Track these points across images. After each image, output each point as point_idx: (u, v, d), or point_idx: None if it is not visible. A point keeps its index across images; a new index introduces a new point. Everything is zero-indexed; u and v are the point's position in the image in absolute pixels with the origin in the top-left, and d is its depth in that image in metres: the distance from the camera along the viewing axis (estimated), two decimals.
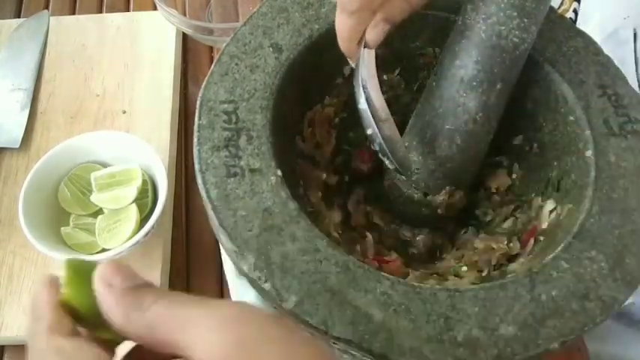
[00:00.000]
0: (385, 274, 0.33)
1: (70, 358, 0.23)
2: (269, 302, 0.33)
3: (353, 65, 0.39)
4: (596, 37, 0.43)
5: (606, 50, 0.42)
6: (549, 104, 0.41)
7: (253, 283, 0.33)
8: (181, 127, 0.62)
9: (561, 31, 0.42)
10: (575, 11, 0.58)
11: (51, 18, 0.67)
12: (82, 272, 0.25)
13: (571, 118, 0.39)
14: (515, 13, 0.35)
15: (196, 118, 0.37)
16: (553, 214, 0.39)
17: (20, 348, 0.50)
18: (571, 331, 0.31)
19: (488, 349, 0.31)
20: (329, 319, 0.31)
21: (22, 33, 0.66)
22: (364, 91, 0.37)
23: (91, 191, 0.53)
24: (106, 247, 0.50)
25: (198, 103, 0.38)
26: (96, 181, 0.53)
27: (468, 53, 0.37)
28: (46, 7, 0.72)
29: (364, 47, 0.37)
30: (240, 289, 0.46)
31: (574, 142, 0.39)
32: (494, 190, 0.45)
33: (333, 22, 0.41)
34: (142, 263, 0.52)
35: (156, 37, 0.65)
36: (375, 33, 0.36)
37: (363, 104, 0.37)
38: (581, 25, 0.57)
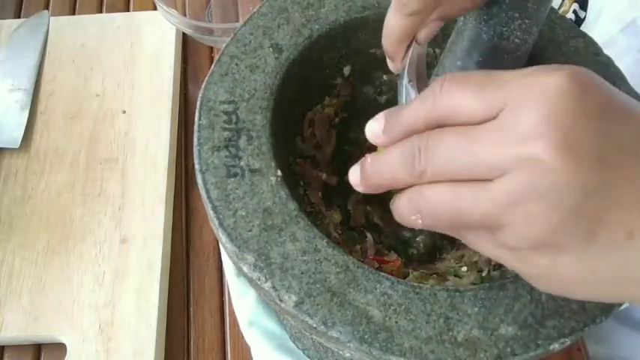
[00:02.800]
0: (385, 274, 0.33)
1: None
2: (269, 302, 0.33)
3: (392, 67, 0.37)
4: (613, 29, 0.43)
5: (625, 41, 0.42)
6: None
7: (253, 283, 0.33)
8: (181, 127, 0.62)
9: (562, 31, 0.42)
10: (575, 12, 0.58)
11: (51, 18, 0.67)
12: None
13: None
14: (516, 14, 0.35)
15: (196, 118, 0.37)
16: None
17: (20, 348, 0.50)
18: (571, 331, 0.31)
19: (488, 349, 0.31)
20: (329, 319, 0.31)
21: (22, 33, 0.66)
22: (407, 91, 0.36)
23: None
24: None
25: (198, 103, 0.38)
26: None
27: (469, 54, 0.37)
28: (46, 7, 0.72)
29: (415, 44, 0.36)
30: (240, 289, 0.46)
31: None
32: None
33: (333, 22, 0.42)
34: (142, 263, 0.52)
35: (156, 37, 0.65)
36: (428, 31, 0.35)
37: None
38: (590, 18, 0.56)
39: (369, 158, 0.29)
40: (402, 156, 0.27)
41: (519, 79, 0.24)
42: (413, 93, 0.36)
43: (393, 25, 0.34)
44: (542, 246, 0.25)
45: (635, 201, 0.24)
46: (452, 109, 0.26)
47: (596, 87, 0.24)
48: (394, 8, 0.34)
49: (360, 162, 0.30)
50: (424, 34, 0.35)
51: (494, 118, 0.24)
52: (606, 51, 0.42)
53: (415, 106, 0.27)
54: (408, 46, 0.35)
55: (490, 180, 0.24)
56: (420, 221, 0.28)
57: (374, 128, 0.29)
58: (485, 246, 0.27)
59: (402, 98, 0.36)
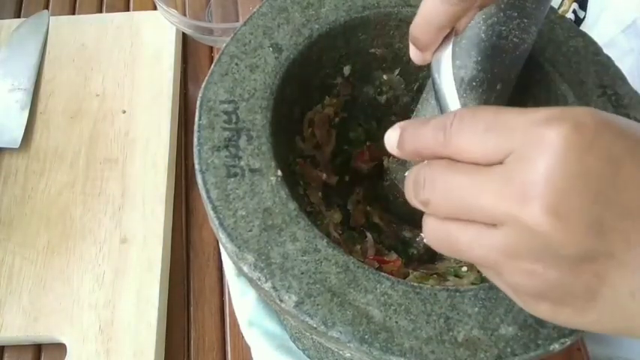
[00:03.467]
0: (385, 274, 0.33)
1: None
2: (269, 302, 0.33)
3: (420, 58, 0.34)
4: (614, 30, 0.43)
5: (626, 42, 0.42)
6: (549, 104, 0.41)
7: (253, 283, 0.33)
8: (181, 127, 0.62)
9: (561, 31, 0.42)
10: (575, 12, 0.58)
11: (51, 18, 0.67)
12: None
13: None
14: (515, 14, 0.35)
15: (196, 118, 0.37)
16: None
17: (20, 348, 0.50)
18: (571, 331, 0.31)
19: (488, 349, 0.31)
20: (329, 319, 0.31)
21: (22, 33, 0.66)
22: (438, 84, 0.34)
23: None
24: None
25: (198, 103, 0.38)
26: None
27: (468, 53, 0.37)
28: (46, 7, 0.72)
29: (453, 35, 0.33)
30: (240, 289, 0.46)
31: None
32: None
33: (333, 22, 0.42)
34: (142, 263, 0.52)
35: (156, 37, 0.65)
36: (468, 20, 0.33)
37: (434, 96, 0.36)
38: (590, 19, 0.56)
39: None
40: (408, 180, 0.28)
41: (528, 128, 0.24)
42: (450, 96, 0.32)
43: (436, 11, 0.31)
44: (541, 297, 0.25)
45: (637, 262, 0.23)
46: (460, 149, 0.26)
47: (602, 140, 0.23)
48: None
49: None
50: (464, 23, 0.33)
51: (501, 162, 0.24)
52: (607, 52, 0.42)
53: (428, 133, 0.27)
54: (446, 36, 0.32)
55: (492, 225, 0.25)
56: (425, 240, 0.29)
57: (391, 140, 0.29)
58: (491, 277, 0.28)
59: (442, 97, 0.33)
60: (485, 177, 0.25)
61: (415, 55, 0.34)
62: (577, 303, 0.25)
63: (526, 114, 0.24)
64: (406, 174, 0.29)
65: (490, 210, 0.24)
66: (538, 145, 0.23)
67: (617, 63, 0.42)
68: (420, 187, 0.27)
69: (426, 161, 0.27)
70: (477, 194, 0.25)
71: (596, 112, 0.24)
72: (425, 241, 0.29)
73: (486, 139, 0.25)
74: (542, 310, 0.26)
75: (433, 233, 0.27)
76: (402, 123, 0.29)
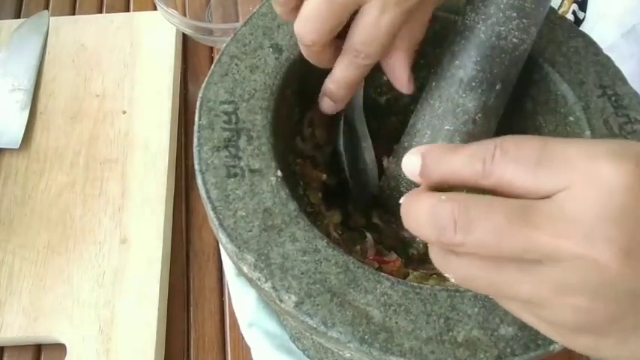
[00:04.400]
0: (385, 275, 0.33)
1: None
2: (269, 302, 0.33)
3: (331, 108, 0.40)
4: (614, 34, 0.43)
5: (626, 47, 0.42)
6: (549, 104, 0.41)
7: (253, 283, 0.33)
8: (181, 127, 0.62)
9: (561, 31, 0.42)
10: (575, 13, 0.58)
11: (51, 18, 0.67)
12: None
13: (571, 118, 0.39)
14: (514, 14, 0.35)
15: (196, 119, 0.37)
16: None
17: (20, 348, 0.50)
18: None
19: (488, 349, 0.31)
20: (329, 320, 0.31)
21: (22, 33, 0.66)
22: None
23: None
24: None
25: (198, 103, 0.38)
26: None
27: (467, 54, 0.37)
28: (46, 7, 0.72)
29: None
30: (240, 289, 0.46)
31: None
32: None
33: None
34: (142, 263, 0.52)
35: (156, 37, 0.65)
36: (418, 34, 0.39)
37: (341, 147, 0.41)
38: (589, 23, 0.56)
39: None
40: (420, 215, 0.26)
41: (582, 163, 0.23)
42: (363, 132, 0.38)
43: (349, 75, 0.37)
44: (585, 331, 0.25)
45: None
46: (506, 182, 0.24)
47: None
48: (347, 60, 0.36)
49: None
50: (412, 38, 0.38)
51: (549, 197, 0.23)
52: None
53: (460, 162, 0.26)
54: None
55: (538, 261, 0.24)
56: (452, 280, 0.27)
57: (412, 166, 0.27)
58: (519, 312, 0.27)
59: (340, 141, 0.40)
60: (539, 214, 0.23)
61: (327, 105, 0.40)
62: (620, 336, 0.25)
63: (579, 146, 0.24)
64: (401, 201, 0.27)
65: (549, 249, 0.23)
66: (598, 184, 0.23)
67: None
68: (450, 229, 0.24)
69: (443, 196, 0.25)
70: (532, 234, 0.23)
71: None
72: (452, 280, 0.27)
73: (537, 173, 0.24)
74: (582, 343, 0.26)
75: (465, 272, 0.26)
76: (423, 148, 0.27)
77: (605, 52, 0.42)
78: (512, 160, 0.24)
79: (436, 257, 0.27)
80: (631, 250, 0.22)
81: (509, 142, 0.25)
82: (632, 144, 0.24)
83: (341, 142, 0.41)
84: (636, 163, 0.23)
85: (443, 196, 0.25)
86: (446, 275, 0.27)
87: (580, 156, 0.23)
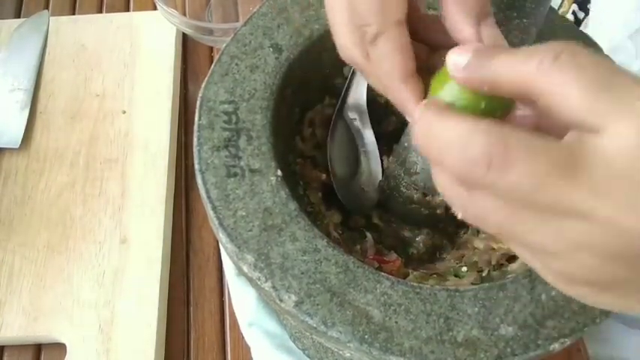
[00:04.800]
0: (385, 274, 0.33)
1: None
2: (269, 302, 0.33)
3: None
4: (620, 35, 0.43)
5: (632, 47, 0.42)
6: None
7: (253, 283, 0.33)
8: (181, 127, 0.62)
9: (561, 31, 0.42)
10: (575, 13, 0.58)
11: (51, 18, 0.67)
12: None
13: None
14: (514, 14, 0.35)
15: (196, 118, 0.37)
16: None
17: (20, 348, 0.50)
18: (571, 331, 0.31)
19: (488, 349, 0.31)
20: (329, 319, 0.31)
21: (22, 33, 0.66)
22: None
23: None
24: None
25: (198, 103, 0.38)
26: None
27: None
28: (46, 7, 0.72)
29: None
30: (240, 289, 0.46)
31: None
32: None
33: None
34: (142, 263, 0.52)
35: (156, 37, 0.65)
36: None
37: None
38: (593, 23, 0.56)
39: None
40: (464, 147, 0.23)
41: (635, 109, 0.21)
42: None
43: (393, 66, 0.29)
44: (588, 285, 0.24)
45: None
46: (555, 93, 0.22)
47: None
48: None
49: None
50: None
51: (599, 133, 0.21)
52: (614, 57, 0.42)
53: (513, 62, 0.23)
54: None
55: (567, 215, 0.22)
56: (459, 215, 0.25)
57: (458, 59, 0.24)
58: (526, 256, 0.25)
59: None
60: (581, 165, 0.21)
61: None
62: (623, 292, 0.24)
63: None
64: (418, 113, 0.25)
65: (581, 206, 0.21)
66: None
67: (625, 69, 0.41)
68: (482, 165, 0.22)
69: (482, 124, 0.22)
70: (567, 187, 0.21)
71: None
72: (459, 216, 0.25)
73: (599, 97, 0.21)
74: (581, 292, 0.24)
75: (479, 210, 0.24)
76: (475, 44, 0.26)
77: (612, 52, 0.42)
78: (576, 67, 0.21)
79: (446, 186, 0.25)
80: None
81: (582, 51, 0.22)
82: None
83: (330, 147, 0.41)
84: None
85: (481, 123, 0.22)
86: (453, 209, 0.25)
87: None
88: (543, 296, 0.32)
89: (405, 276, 0.39)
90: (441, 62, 0.26)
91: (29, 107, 0.60)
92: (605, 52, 0.43)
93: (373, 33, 0.29)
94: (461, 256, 0.42)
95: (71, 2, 0.73)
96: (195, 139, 0.36)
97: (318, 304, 0.31)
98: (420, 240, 0.45)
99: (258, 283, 0.32)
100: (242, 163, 0.36)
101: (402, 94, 0.30)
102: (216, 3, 0.70)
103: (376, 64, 0.30)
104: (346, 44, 0.31)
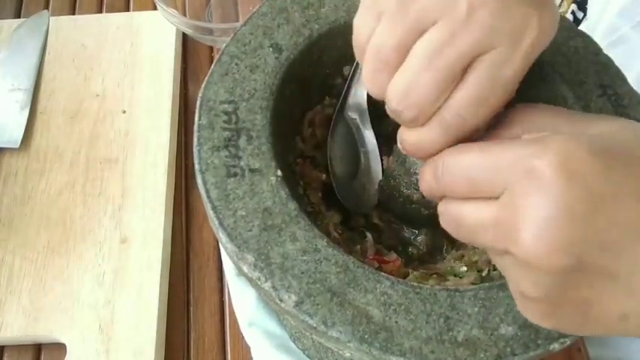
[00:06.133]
0: (385, 274, 0.33)
1: None
2: (269, 302, 0.33)
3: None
4: (622, 25, 0.43)
5: (637, 38, 0.42)
6: (549, 104, 0.41)
7: (253, 283, 0.33)
8: (181, 127, 0.62)
9: (561, 31, 0.42)
10: (574, 13, 0.58)
11: (51, 18, 0.67)
12: None
13: None
14: None
15: (196, 118, 0.37)
16: None
17: (20, 348, 0.50)
18: None
19: (488, 349, 0.31)
20: (329, 319, 0.31)
21: (22, 33, 0.66)
22: None
23: None
24: None
25: (198, 103, 0.38)
26: None
27: None
28: (46, 7, 0.72)
29: None
30: (240, 289, 0.46)
31: None
32: None
33: (333, 21, 0.42)
34: (142, 263, 0.52)
35: (156, 37, 0.65)
36: None
37: None
38: (593, 15, 0.56)
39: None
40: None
41: (517, 163, 0.25)
42: None
43: (435, 140, 0.30)
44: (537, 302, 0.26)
45: (622, 290, 0.24)
46: (453, 193, 0.28)
47: (585, 175, 0.23)
48: (439, 123, 0.29)
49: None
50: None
51: (497, 197, 0.25)
52: (617, 49, 0.42)
53: (425, 175, 0.30)
54: None
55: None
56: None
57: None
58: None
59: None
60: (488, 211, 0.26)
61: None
62: (573, 324, 0.26)
63: (513, 148, 0.25)
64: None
65: (490, 237, 0.26)
66: (528, 183, 0.24)
67: (629, 60, 0.41)
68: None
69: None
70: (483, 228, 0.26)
71: (583, 144, 0.24)
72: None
73: (475, 183, 0.26)
74: (532, 312, 0.27)
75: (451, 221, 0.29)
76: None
77: (614, 44, 0.42)
78: (454, 174, 0.27)
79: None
80: (545, 239, 0.24)
81: (449, 156, 0.28)
82: (558, 140, 0.24)
83: (330, 147, 0.42)
84: (559, 160, 0.24)
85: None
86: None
87: (516, 157, 0.25)
88: None
89: (405, 276, 0.39)
90: None
91: (29, 107, 0.60)
92: (607, 45, 0.42)
93: None
94: (461, 256, 0.42)
95: (71, 2, 0.73)
96: (195, 139, 0.36)
97: (318, 304, 0.31)
98: (420, 240, 0.45)
99: (258, 283, 0.32)
100: (242, 163, 0.36)
101: None
102: (216, 3, 0.70)
103: None
104: None
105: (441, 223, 0.30)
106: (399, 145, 0.32)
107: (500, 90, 0.28)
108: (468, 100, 0.27)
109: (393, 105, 0.29)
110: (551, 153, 0.24)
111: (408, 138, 0.30)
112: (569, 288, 0.24)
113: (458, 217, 0.28)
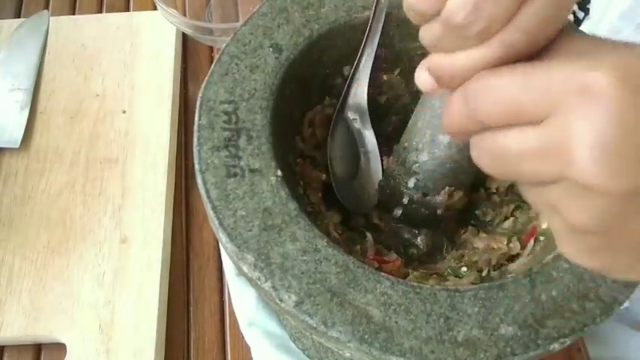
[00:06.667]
0: (385, 274, 0.33)
1: None
2: (269, 302, 0.33)
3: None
4: (625, 27, 0.42)
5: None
6: None
7: (253, 283, 0.33)
8: (181, 127, 0.62)
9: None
10: (574, 13, 0.58)
11: (51, 18, 0.67)
12: None
13: None
14: None
15: (196, 118, 0.37)
16: None
17: (20, 348, 0.50)
18: (571, 331, 0.31)
19: (488, 349, 0.31)
20: (329, 319, 0.31)
21: (22, 33, 0.66)
22: None
23: None
24: None
25: (198, 103, 0.38)
26: None
27: None
28: (46, 7, 0.72)
29: None
30: (240, 289, 0.46)
31: None
32: (494, 190, 0.45)
33: (333, 22, 0.42)
34: (142, 263, 0.52)
35: (156, 37, 0.65)
36: None
37: None
38: (595, 15, 0.55)
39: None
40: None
41: (568, 79, 0.22)
42: None
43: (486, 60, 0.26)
44: (600, 235, 0.24)
45: None
46: (490, 118, 0.24)
47: None
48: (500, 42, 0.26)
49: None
50: None
51: (543, 120, 0.23)
52: None
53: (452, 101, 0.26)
54: None
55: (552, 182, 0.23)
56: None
57: (422, 79, 0.29)
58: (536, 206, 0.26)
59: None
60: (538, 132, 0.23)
61: (426, 84, 0.30)
62: (626, 263, 0.24)
63: (561, 67, 0.23)
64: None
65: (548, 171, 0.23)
66: (582, 102, 0.21)
67: None
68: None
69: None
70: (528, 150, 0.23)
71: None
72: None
73: (519, 107, 0.23)
74: (595, 250, 0.25)
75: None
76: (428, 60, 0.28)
77: None
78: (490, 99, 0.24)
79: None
80: (611, 162, 0.21)
81: (481, 83, 0.25)
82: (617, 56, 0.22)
83: (330, 147, 0.41)
84: (620, 74, 0.21)
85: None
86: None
87: (565, 75, 0.22)
88: (543, 296, 0.32)
89: (405, 276, 0.39)
90: None
91: (29, 107, 0.60)
92: None
93: None
94: (461, 256, 0.42)
95: (71, 2, 0.73)
96: (195, 139, 0.36)
97: (318, 304, 0.31)
98: (420, 240, 0.45)
99: (258, 283, 0.32)
100: (242, 163, 0.36)
101: None
102: (216, 3, 0.70)
103: None
104: None
105: (475, 158, 0.26)
106: (426, 74, 0.29)
107: (567, 8, 0.26)
108: (539, 17, 0.25)
109: (461, 16, 0.25)
110: (609, 66, 0.21)
111: (452, 61, 0.27)
112: (630, 217, 0.22)
113: (498, 147, 0.24)
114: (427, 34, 0.27)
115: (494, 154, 0.25)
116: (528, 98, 0.23)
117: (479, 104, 0.25)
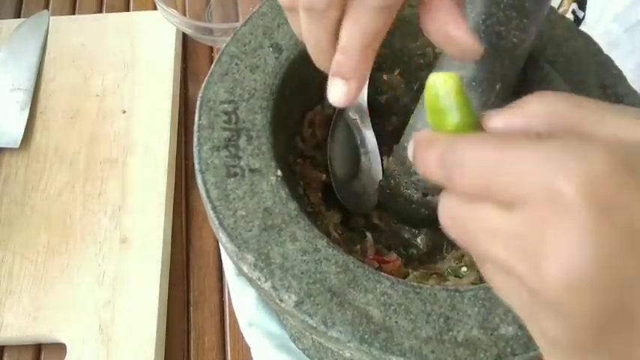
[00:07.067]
0: (385, 274, 0.33)
1: None
2: (269, 302, 0.33)
3: (349, 97, 0.31)
4: (617, 29, 0.42)
5: (629, 42, 0.42)
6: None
7: (253, 283, 0.33)
8: (181, 127, 0.62)
9: (561, 31, 0.42)
10: (574, 12, 0.58)
11: (51, 18, 0.67)
12: None
13: None
14: (514, 14, 0.35)
15: (196, 118, 0.37)
16: None
17: (20, 348, 0.50)
18: None
19: (488, 349, 0.31)
20: (329, 319, 0.31)
21: (22, 33, 0.66)
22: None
23: None
24: None
25: (198, 103, 0.38)
26: None
27: None
28: (46, 7, 0.72)
29: None
30: (240, 289, 0.46)
31: None
32: None
33: None
34: (142, 263, 0.52)
35: (156, 37, 0.65)
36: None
37: None
38: (591, 18, 0.56)
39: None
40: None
41: (540, 173, 0.20)
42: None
43: (363, 29, 0.27)
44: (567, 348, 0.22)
45: None
46: (465, 190, 0.23)
47: (622, 207, 0.19)
48: (357, 8, 0.26)
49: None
50: None
51: (515, 203, 0.21)
52: (612, 52, 0.42)
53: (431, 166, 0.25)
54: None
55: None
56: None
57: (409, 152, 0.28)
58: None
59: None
60: (505, 221, 0.22)
61: (339, 92, 0.30)
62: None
63: (535, 151, 0.21)
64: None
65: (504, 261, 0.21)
66: (552, 206, 0.20)
67: (621, 63, 0.41)
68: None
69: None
70: (491, 237, 0.22)
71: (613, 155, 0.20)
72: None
73: (489, 183, 0.22)
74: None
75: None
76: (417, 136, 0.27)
77: (608, 46, 0.42)
78: (468, 171, 0.23)
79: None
80: (575, 283, 0.20)
81: (462, 154, 0.23)
82: (587, 155, 0.20)
83: (330, 147, 0.41)
84: (588, 182, 0.19)
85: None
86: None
87: (534, 172, 0.21)
88: None
89: (405, 276, 0.39)
90: None
91: (29, 107, 0.60)
92: (602, 46, 0.42)
93: None
94: (461, 256, 0.42)
95: (71, 2, 0.73)
96: (195, 139, 0.36)
97: (318, 304, 0.31)
98: (420, 240, 0.45)
99: (258, 283, 0.32)
100: (242, 163, 0.36)
101: None
102: (216, 3, 0.70)
103: None
104: None
105: (441, 218, 0.25)
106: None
107: None
108: None
109: None
110: (581, 175, 0.19)
111: None
112: (606, 333, 0.20)
113: (466, 217, 0.24)
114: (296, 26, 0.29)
115: (459, 221, 0.24)
116: (498, 178, 0.22)
117: (451, 166, 0.24)
